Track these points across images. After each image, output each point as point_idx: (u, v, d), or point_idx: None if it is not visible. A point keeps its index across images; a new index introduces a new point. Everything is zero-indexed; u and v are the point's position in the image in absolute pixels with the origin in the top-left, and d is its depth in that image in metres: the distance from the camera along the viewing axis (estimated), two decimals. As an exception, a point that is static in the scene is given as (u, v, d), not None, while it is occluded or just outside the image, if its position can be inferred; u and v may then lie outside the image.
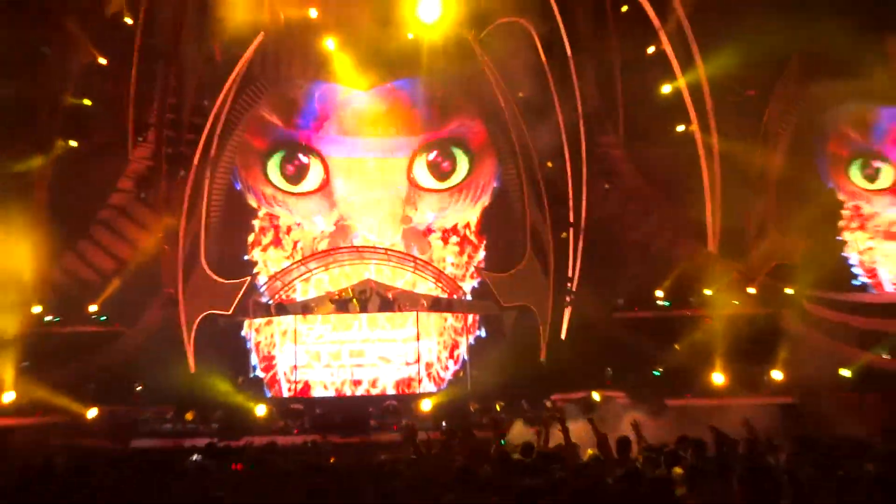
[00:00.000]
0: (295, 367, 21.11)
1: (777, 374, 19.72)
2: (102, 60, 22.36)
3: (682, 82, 22.63)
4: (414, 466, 8.94)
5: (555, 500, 6.47)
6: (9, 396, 19.31)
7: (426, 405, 19.19)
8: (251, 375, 21.47)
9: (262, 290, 22.27)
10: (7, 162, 21.83)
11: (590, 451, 9.38)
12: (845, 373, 19.53)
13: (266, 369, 21.47)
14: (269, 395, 20.89)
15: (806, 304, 21.55)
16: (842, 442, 8.95)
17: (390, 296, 21.71)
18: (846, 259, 24.56)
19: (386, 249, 22.62)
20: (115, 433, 18.11)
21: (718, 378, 19.97)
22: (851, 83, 23.53)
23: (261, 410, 19.27)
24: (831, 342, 20.38)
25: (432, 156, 23.23)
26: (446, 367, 21.36)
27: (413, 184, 23.25)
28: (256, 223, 23.48)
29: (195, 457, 10.77)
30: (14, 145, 21.97)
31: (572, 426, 9.54)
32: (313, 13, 21.82)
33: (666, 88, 23.02)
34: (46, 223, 21.75)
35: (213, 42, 21.66)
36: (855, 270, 24.59)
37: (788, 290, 21.94)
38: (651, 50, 23.08)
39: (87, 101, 22.32)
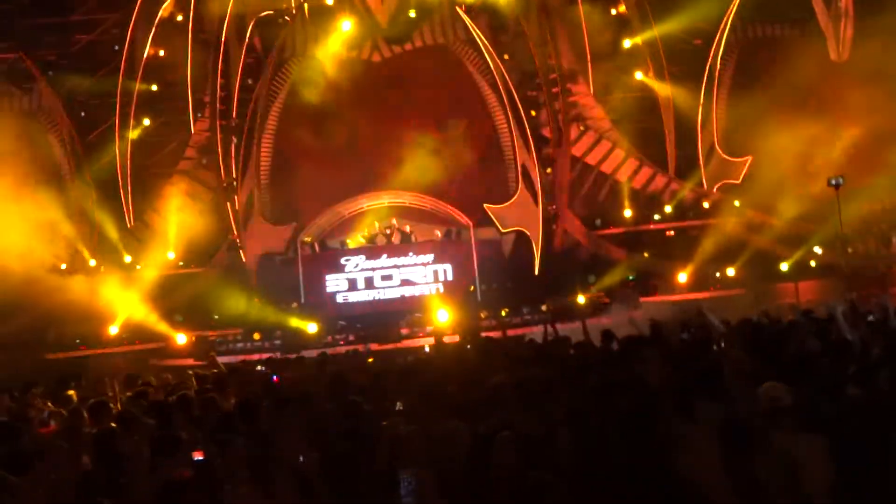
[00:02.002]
0: (337, 292, 21.19)
1: (731, 272, 19.70)
2: (161, 52, 22.20)
3: (639, 39, 22.24)
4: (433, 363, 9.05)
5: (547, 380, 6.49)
6: (114, 330, 19.65)
7: (444, 316, 19.24)
8: (303, 301, 21.50)
9: (306, 231, 22.21)
10: (94, 141, 21.94)
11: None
12: (784, 266, 19.54)
13: (314, 296, 21.51)
14: (317, 316, 20.92)
15: (749, 213, 21.35)
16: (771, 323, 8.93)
17: (408, 229, 21.67)
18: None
19: (406, 194, 22.44)
20: (198, 353, 18.40)
21: (682, 277, 19.97)
22: (781, 30, 23.11)
23: (312, 329, 19.45)
24: (770, 242, 20.25)
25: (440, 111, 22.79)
26: (459, 284, 21.31)
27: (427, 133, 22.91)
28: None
29: (259, 367, 10.97)
30: (99, 127, 22.06)
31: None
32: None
33: (626, 43, 22.62)
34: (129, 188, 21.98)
35: (252, 31, 21.38)
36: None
37: (735, 203, 21.79)
38: (614, 11, 22.63)
39: (153, 87, 22.21)
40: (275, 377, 8.76)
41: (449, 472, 4.93)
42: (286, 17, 21.35)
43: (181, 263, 21.69)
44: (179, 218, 22.12)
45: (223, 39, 21.18)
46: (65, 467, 5.52)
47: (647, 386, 6.06)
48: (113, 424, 6.20)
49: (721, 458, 4.12)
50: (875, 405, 4.83)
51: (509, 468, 4.65)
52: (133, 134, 22.13)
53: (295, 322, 19.60)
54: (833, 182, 18.23)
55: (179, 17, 22.02)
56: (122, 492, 4.86)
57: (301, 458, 5.03)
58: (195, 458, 5.41)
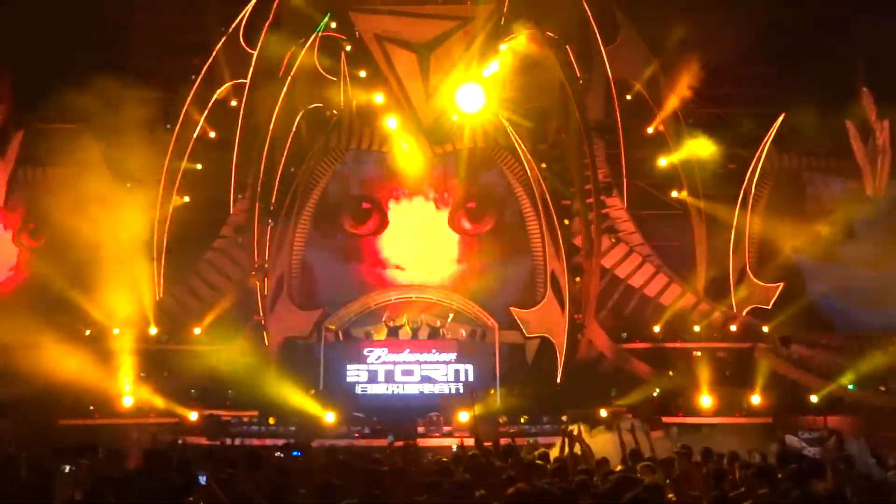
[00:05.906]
0: (357, 382, 20.96)
1: (756, 399, 19.24)
2: (212, 134, 22.86)
3: (675, 157, 22.54)
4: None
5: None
6: (128, 401, 19.44)
7: (464, 417, 18.90)
8: (320, 388, 21.21)
9: (332, 318, 22.17)
10: (136, 212, 22.24)
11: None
12: (813, 398, 19.03)
13: (333, 384, 21.24)
14: (334, 405, 20.59)
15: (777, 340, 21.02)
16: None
17: (438, 324, 21.59)
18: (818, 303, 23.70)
19: (432, 288, 22.47)
20: (211, 432, 18.10)
21: (706, 400, 19.52)
22: (815, 159, 23.39)
23: (330, 418, 19.10)
24: (799, 372, 19.87)
25: (471, 204, 23.08)
26: (480, 386, 20.97)
27: (456, 229, 23.16)
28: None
29: (277, 453, 10.71)
30: (142, 200, 22.39)
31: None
32: (379, 98, 21.98)
33: (662, 162, 22.94)
34: (165, 261, 22.14)
35: (300, 121, 22.04)
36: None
37: (764, 328, 21.49)
38: (651, 130, 23.06)
39: (198, 166, 22.73)
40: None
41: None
42: (334, 112, 22.00)
43: (203, 338, 21.64)
44: (208, 295, 22.30)
45: (272, 127, 21.80)
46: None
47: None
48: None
49: None
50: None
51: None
52: (172, 206, 22.47)
53: (311, 409, 19.29)
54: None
55: (233, 102, 22.76)
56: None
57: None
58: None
